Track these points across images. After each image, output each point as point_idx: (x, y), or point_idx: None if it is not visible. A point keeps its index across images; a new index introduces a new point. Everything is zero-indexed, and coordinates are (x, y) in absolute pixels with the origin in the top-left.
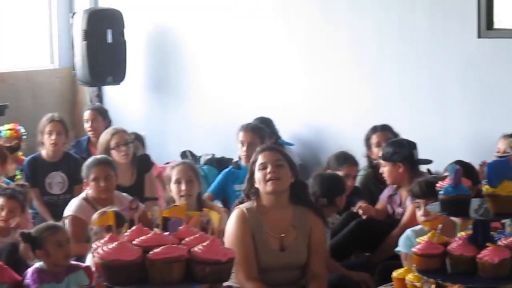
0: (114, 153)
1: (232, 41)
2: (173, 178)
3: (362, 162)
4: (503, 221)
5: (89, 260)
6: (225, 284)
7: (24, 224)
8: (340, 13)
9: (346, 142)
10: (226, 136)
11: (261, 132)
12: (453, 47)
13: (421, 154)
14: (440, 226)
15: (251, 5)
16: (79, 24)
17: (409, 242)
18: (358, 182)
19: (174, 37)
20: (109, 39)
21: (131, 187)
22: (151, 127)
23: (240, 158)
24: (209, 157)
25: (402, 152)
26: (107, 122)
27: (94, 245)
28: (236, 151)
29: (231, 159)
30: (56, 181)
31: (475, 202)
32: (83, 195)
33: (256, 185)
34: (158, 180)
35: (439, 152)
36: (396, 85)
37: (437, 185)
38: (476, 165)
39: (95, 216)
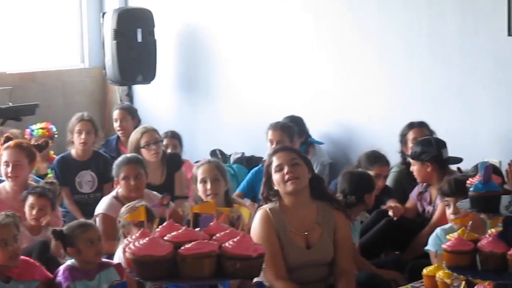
0: (144, 151)
1: (262, 40)
2: (199, 178)
3: (393, 160)
4: None
5: (117, 257)
6: (256, 280)
7: (55, 222)
8: (370, 12)
9: (375, 141)
10: (255, 134)
11: (290, 131)
12: (482, 46)
13: (450, 152)
14: (470, 223)
15: (281, 4)
16: (109, 24)
17: (438, 241)
18: (390, 178)
19: (204, 36)
20: (139, 38)
21: (161, 185)
22: (181, 126)
23: None
24: (239, 155)
25: (430, 151)
26: (136, 121)
27: (122, 238)
28: (265, 149)
29: (260, 158)
30: (86, 180)
31: (505, 199)
32: (113, 193)
33: (275, 187)
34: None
35: (468, 150)
36: (425, 84)
37: (467, 182)
38: (505, 163)
39: (123, 210)
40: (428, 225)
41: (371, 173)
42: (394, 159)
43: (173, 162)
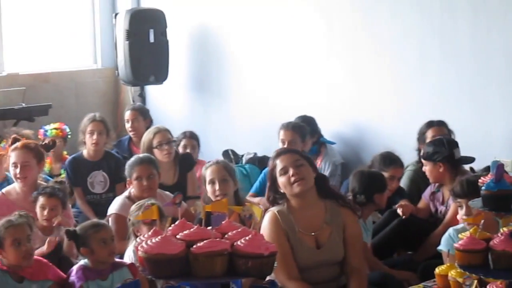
0: (156, 152)
1: (274, 40)
2: (207, 179)
3: (405, 160)
4: None
5: (127, 256)
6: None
7: (66, 222)
8: (382, 11)
9: (387, 140)
10: (268, 135)
11: (302, 131)
12: (494, 45)
13: (463, 152)
14: (482, 222)
15: (293, 4)
16: (121, 24)
17: (451, 241)
18: (406, 176)
19: (216, 36)
20: (152, 39)
21: (174, 185)
22: (193, 126)
23: None
24: (251, 156)
25: (443, 151)
26: (148, 121)
27: (132, 237)
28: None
29: None
30: (98, 180)
31: None
32: (126, 193)
33: (281, 190)
34: None
35: (480, 150)
36: (437, 83)
37: (479, 181)
38: None
39: (133, 208)
40: (441, 225)
41: (385, 174)
42: (406, 159)
43: (185, 162)
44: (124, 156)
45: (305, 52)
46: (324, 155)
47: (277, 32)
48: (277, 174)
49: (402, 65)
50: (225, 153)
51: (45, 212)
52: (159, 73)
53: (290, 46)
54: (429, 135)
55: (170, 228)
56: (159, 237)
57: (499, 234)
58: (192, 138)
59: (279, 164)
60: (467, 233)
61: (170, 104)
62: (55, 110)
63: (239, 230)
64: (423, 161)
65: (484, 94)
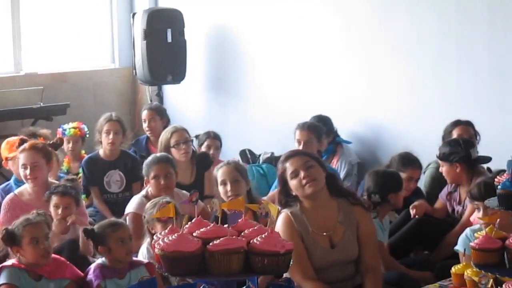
0: (174, 151)
1: (290, 40)
2: (219, 180)
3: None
4: None
5: (140, 253)
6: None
7: (80, 221)
8: (399, 12)
9: (404, 140)
10: (285, 134)
11: (318, 131)
12: (511, 46)
13: (481, 151)
14: (498, 220)
15: (309, 4)
16: (139, 24)
17: (468, 242)
18: (428, 174)
19: (234, 36)
20: (169, 38)
21: (191, 185)
22: (210, 126)
23: None
24: (268, 155)
25: (459, 152)
26: (165, 121)
27: (147, 234)
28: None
29: None
30: (114, 180)
31: None
32: (143, 192)
33: (293, 193)
34: None
35: (499, 150)
36: (454, 84)
37: (495, 180)
38: None
39: (148, 206)
40: (458, 225)
41: (403, 175)
42: (423, 158)
43: (203, 161)
44: (142, 155)
45: (322, 52)
46: (340, 154)
47: (293, 31)
48: (288, 178)
49: (418, 64)
50: (242, 153)
51: (59, 211)
52: (177, 73)
53: (307, 45)
54: (455, 133)
55: (186, 226)
56: (176, 234)
57: None
58: (215, 138)
59: (289, 168)
60: (483, 232)
61: (187, 103)
62: (73, 109)
63: (256, 228)
64: (439, 162)
65: (500, 94)
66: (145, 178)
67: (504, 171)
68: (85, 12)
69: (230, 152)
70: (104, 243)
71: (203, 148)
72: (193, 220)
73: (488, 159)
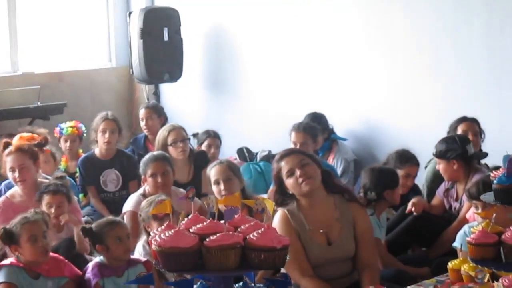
0: (171, 149)
1: (287, 38)
2: (212, 179)
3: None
4: None
5: (136, 251)
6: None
7: (73, 220)
8: (394, 11)
9: (400, 137)
10: (282, 132)
11: (313, 131)
12: (508, 45)
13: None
14: (494, 215)
15: (304, 3)
16: (136, 23)
17: (465, 238)
18: (429, 169)
19: (230, 35)
20: (166, 37)
21: (188, 183)
22: (207, 124)
23: None
24: (266, 153)
25: (456, 149)
26: (163, 119)
27: (143, 232)
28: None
29: None
30: (111, 179)
31: None
32: (141, 191)
33: (290, 192)
34: None
35: (498, 146)
36: (451, 82)
37: (491, 175)
38: None
39: (144, 204)
40: (455, 221)
41: (401, 172)
42: (420, 155)
43: (200, 160)
44: (140, 154)
45: (318, 49)
46: (336, 151)
47: (289, 30)
48: (284, 177)
49: (415, 61)
50: (240, 151)
51: (52, 210)
52: (173, 72)
53: (303, 43)
54: (460, 130)
55: (183, 222)
56: (173, 230)
57: (511, 228)
58: (215, 137)
59: (284, 167)
60: (479, 227)
61: (184, 102)
62: (70, 108)
63: (252, 223)
64: (436, 159)
65: (498, 91)
66: (143, 176)
67: (500, 167)
68: (82, 11)
69: (227, 150)
70: (102, 241)
71: (203, 147)
72: (189, 217)
73: (484, 155)
